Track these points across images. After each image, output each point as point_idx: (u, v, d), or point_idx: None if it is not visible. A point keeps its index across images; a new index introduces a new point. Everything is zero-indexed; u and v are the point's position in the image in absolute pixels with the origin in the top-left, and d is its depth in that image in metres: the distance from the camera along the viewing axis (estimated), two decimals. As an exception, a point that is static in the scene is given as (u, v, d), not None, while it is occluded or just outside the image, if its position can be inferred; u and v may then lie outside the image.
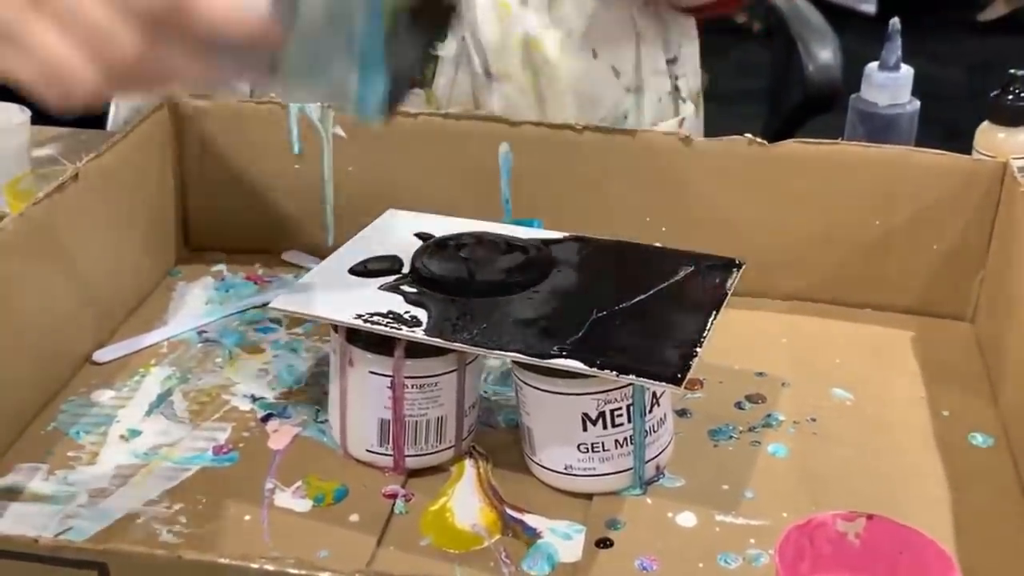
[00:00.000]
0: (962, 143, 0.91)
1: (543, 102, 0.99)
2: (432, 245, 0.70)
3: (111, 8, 0.51)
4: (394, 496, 0.64)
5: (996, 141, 0.91)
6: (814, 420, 0.71)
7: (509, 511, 0.63)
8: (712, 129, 0.98)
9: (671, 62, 1.10)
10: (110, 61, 0.51)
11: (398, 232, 0.73)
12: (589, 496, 0.64)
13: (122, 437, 0.68)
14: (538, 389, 0.62)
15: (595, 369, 0.59)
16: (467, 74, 0.95)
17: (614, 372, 0.59)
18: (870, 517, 0.56)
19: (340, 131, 0.83)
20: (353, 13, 0.54)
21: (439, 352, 0.63)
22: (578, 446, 0.62)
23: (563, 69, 0.99)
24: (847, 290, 0.83)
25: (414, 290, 0.65)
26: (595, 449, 0.62)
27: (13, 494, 0.63)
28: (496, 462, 0.67)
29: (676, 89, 1.10)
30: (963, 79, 3.10)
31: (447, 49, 0.92)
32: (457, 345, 0.61)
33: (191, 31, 0.52)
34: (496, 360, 0.74)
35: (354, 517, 0.62)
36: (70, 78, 0.51)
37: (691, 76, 1.16)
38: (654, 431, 0.63)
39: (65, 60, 0.51)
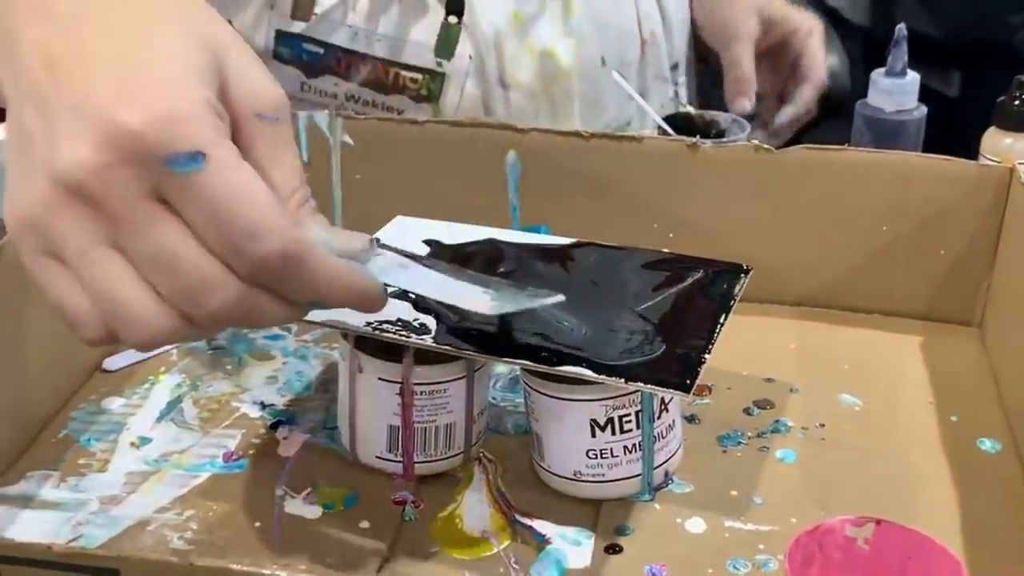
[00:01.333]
0: (968, 149, 0.91)
1: (554, 109, 0.99)
2: (438, 253, 0.70)
3: (212, 259, 0.44)
4: (403, 503, 0.64)
5: (1002, 146, 0.91)
6: (822, 426, 0.71)
7: (518, 517, 0.63)
8: (719, 135, 0.98)
9: (673, 68, 1.11)
10: (197, 311, 0.44)
11: (406, 239, 0.73)
12: (598, 502, 0.64)
13: (132, 444, 0.69)
14: (547, 395, 0.62)
15: (603, 376, 0.59)
16: (479, 83, 0.96)
17: (622, 379, 0.59)
18: (879, 522, 0.56)
19: (348, 139, 0.84)
20: None
21: (448, 359, 0.63)
22: (587, 452, 0.63)
23: (575, 77, 0.99)
24: (855, 296, 0.83)
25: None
26: (604, 455, 0.63)
27: (25, 501, 0.64)
28: (505, 468, 0.67)
29: (676, 95, 1.11)
30: (969, 85, 3.09)
31: (455, 65, 0.93)
32: (466, 352, 0.61)
33: (296, 287, 0.46)
34: (505, 366, 0.74)
35: (364, 524, 0.63)
36: (133, 322, 0.44)
37: (691, 82, 1.16)
38: (663, 437, 0.64)
39: (133, 304, 0.44)
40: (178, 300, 0.44)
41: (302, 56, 0.93)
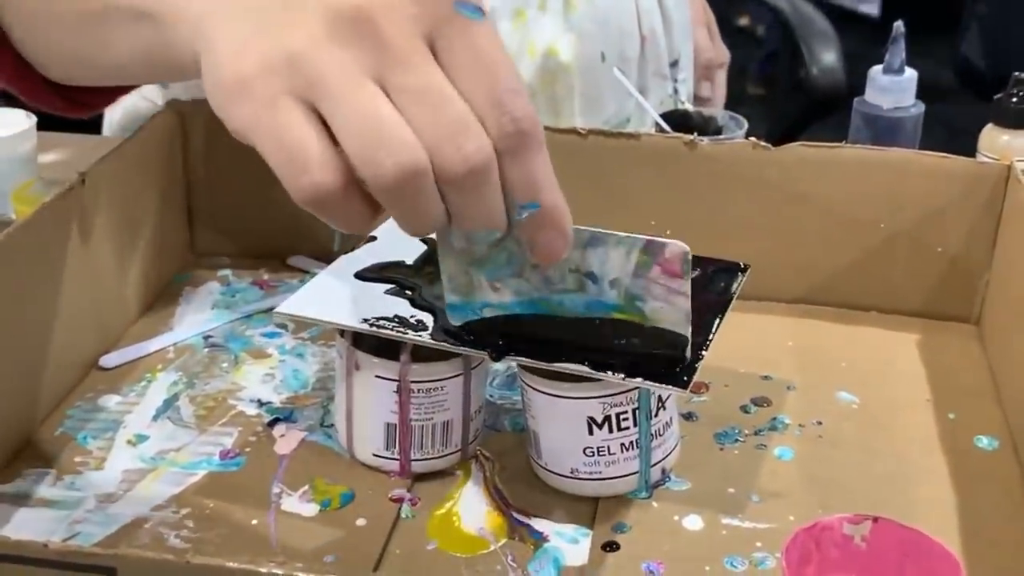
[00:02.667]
0: (966, 146, 0.91)
1: (555, 106, 0.99)
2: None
3: (467, 109, 0.45)
4: (400, 500, 0.64)
5: (1000, 143, 0.91)
6: (820, 423, 0.71)
7: (515, 515, 0.63)
8: (716, 133, 0.98)
9: (673, 65, 1.11)
10: (451, 151, 0.45)
11: (404, 237, 0.72)
12: (595, 499, 0.64)
13: (129, 442, 0.69)
14: (544, 393, 0.62)
15: (601, 373, 0.59)
16: None
17: (620, 376, 0.59)
18: (876, 520, 0.56)
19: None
20: None
21: (445, 356, 0.63)
22: (584, 450, 0.63)
23: (575, 73, 0.99)
24: (852, 293, 0.83)
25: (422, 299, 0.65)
26: (601, 453, 0.63)
27: (21, 499, 0.63)
28: (502, 466, 0.67)
29: (676, 92, 1.11)
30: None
31: None
32: (463, 349, 0.61)
33: (531, 167, 0.47)
34: (502, 364, 0.74)
35: (360, 521, 0.62)
36: (386, 144, 0.44)
37: (689, 79, 1.16)
38: (660, 435, 0.64)
39: (391, 126, 0.44)
40: (436, 137, 0.45)
41: None
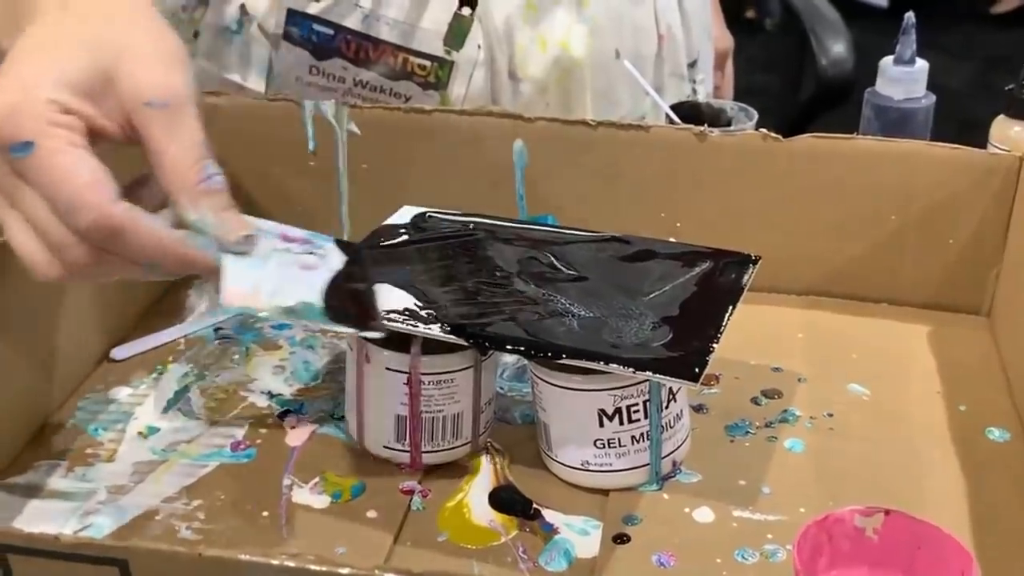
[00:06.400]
0: (977, 137, 0.90)
1: (566, 103, 0.98)
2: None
3: (63, 227, 0.54)
4: (411, 492, 0.64)
5: (1011, 134, 0.90)
6: (831, 415, 0.71)
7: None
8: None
9: (691, 66, 1.10)
10: (63, 261, 0.55)
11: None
12: (606, 492, 0.64)
13: (140, 434, 0.69)
14: (554, 385, 0.62)
15: (611, 365, 0.59)
16: (487, 74, 0.95)
17: (630, 368, 0.59)
18: (888, 512, 0.56)
19: (355, 128, 0.84)
20: None
21: (456, 348, 0.63)
22: (594, 442, 0.63)
23: (588, 68, 0.98)
24: (863, 285, 0.83)
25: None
26: (611, 445, 0.63)
27: (32, 491, 0.64)
28: (513, 458, 0.67)
29: (694, 92, 1.10)
30: (977, 72, 3.08)
31: (465, 55, 0.92)
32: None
33: (125, 251, 0.55)
34: (512, 356, 0.74)
35: (371, 513, 0.62)
36: (36, 266, 0.56)
37: (708, 80, 1.15)
38: (670, 427, 0.63)
39: (26, 253, 0.56)
40: (52, 251, 0.55)
41: (311, 37, 0.92)
